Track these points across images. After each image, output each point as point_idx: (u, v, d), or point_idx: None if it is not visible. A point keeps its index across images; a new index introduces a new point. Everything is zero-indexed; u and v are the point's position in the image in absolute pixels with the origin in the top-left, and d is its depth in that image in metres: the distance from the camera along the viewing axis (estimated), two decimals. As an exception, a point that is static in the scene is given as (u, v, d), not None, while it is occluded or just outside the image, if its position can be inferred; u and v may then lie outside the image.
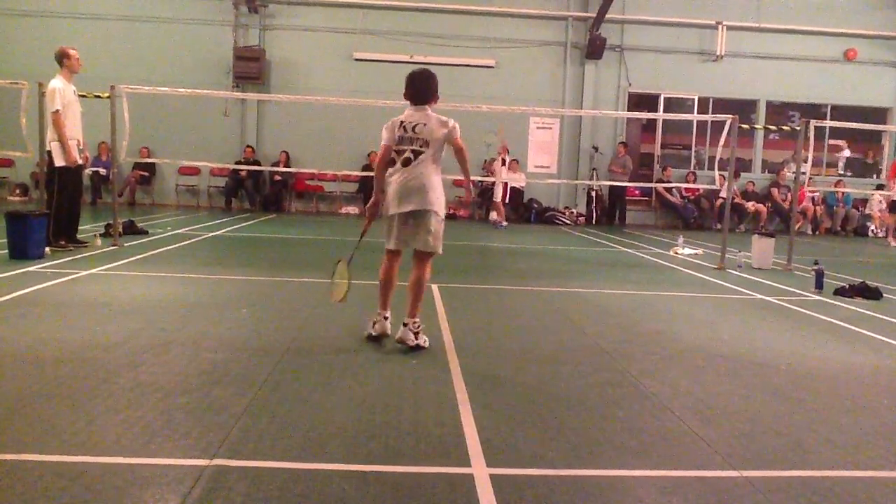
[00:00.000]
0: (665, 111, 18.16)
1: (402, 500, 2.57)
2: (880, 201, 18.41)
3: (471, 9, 17.78)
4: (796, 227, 11.46)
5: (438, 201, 4.85)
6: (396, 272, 5.02)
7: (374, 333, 4.87)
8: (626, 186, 17.05)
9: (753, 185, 18.22)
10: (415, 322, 4.73)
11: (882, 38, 18.45)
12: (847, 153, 19.62)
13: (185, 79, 15.83)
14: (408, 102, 4.98)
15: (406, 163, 4.77)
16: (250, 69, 17.21)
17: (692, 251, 11.25)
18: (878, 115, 18.96)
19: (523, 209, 17.72)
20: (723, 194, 14.24)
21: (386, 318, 4.89)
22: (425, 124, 4.82)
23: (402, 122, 4.85)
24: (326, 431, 3.18)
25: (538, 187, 17.86)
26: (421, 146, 4.80)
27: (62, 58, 8.62)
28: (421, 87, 4.96)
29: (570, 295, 7.26)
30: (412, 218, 4.78)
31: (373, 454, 2.95)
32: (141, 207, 16.50)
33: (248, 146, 17.44)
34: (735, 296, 7.51)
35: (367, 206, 5.17)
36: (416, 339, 4.69)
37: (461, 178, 5.28)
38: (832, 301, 7.30)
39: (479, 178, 17.20)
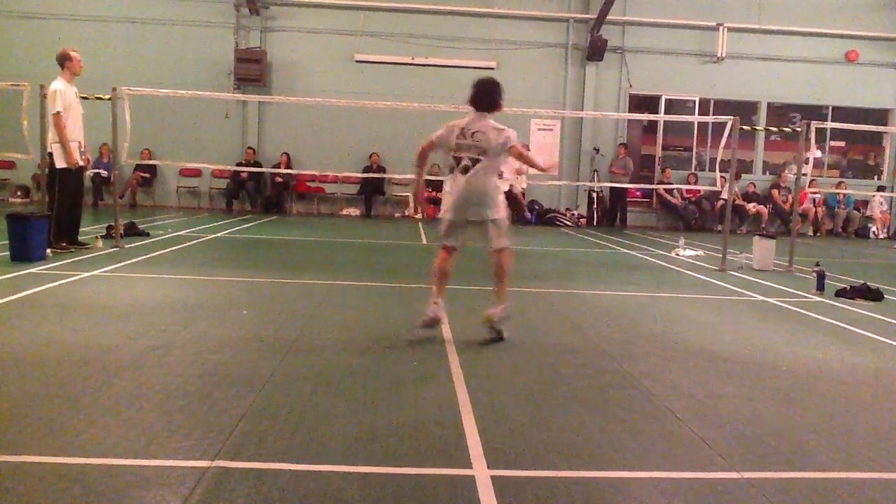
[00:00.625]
0: (666, 113, 18.16)
1: (404, 501, 2.58)
2: (881, 203, 18.41)
3: (472, 10, 17.78)
4: (797, 228, 11.44)
5: (497, 208, 5.07)
6: (452, 265, 5.30)
7: (429, 315, 5.05)
8: (626, 188, 17.04)
9: (755, 186, 18.21)
10: (503, 307, 5.09)
11: (883, 40, 18.43)
12: (818, 154, 19.46)
13: (187, 81, 15.83)
14: (471, 108, 5.14)
15: (465, 171, 4.98)
16: (251, 71, 17.21)
17: (693, 253, 11.24)
18: (880, 116, 18.95)
19: (524, 210, 17.71)
20: (724, 196, 14.24)
21: (437, 304, 5.10)
22: (484, 132, 4.98)
23: (462, 128, 5.02)
24: (327, 433, 3.18)
25: (539, 189, 17.86)
26: (479, 154, 4.96)
27: (64, 59, 8.62)
28: (484, 95, 5.11)
29: (571, 296, 7.26)
30: (474, 226, 5.12)
31: (374, 455, 2.95)
32: (142, 209, 16.50)
33: (249, 148, 17.44)
34: (736, 297, 7.51)
35: (414, 193, 5.56)
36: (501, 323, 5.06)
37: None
38: (833, 302, 7.30)
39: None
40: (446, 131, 5.06)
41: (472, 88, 5.13)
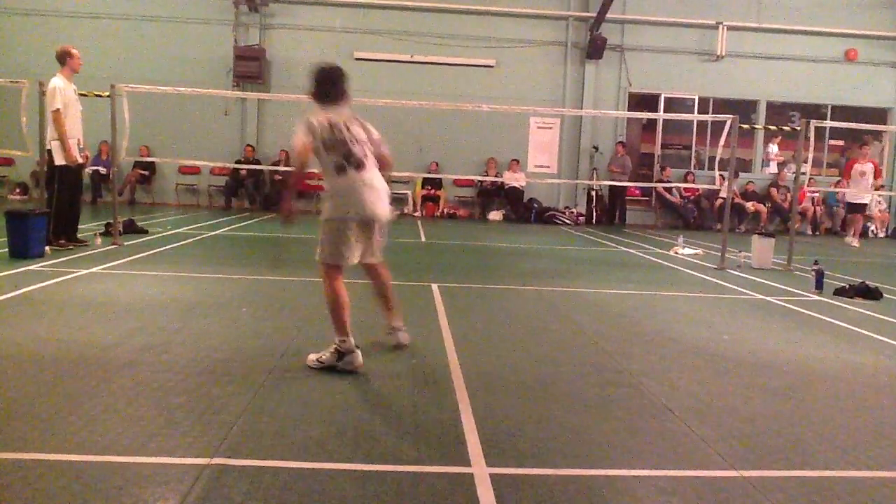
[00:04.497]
0: (665, 111, 18.16)
1: (403, 499, 2.58)
2: (880, 202, 18.41)
3: (471, 8, 17.76)
4: (796, 227, 11.45)
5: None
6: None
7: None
8: (625, 186, 17.04)
9: (754, 185, 18.22)
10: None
11: (882, 39, 18.44)
12: (774, 149, 19.47)
13: (186, 78, 15.82)
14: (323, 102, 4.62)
15: (358, 168, 4.41)
16: (250, 68, 17.19)
17: (692, 251, 11.25)
18: (879, 115, 18.96)
19: (523, 209, 17.72)
20: (723, 194, 14.24)
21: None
22: (360, 125, 4.59)
23: (330, 124, 4.45)
24: (326, 431, 3.18)
25: (538, 187, 17.86)
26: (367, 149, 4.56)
27: (64, 57, 8.61)
28: (341, 84, 4.69)
29: (570, 295, 7.26)
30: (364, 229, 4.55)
31: (373, 453, 2.95)
32: (141, 206, 16.49)
33: (248, 145, 17.43)
34: (735, 296, 7.51)
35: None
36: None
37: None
38: (832, 301, 7.30)
39: (478, 178, 17.26)
40: (311, 130, 4.37)
41: (318, 78, 4.61)
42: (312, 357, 4.22)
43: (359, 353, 4.17)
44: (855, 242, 14.52)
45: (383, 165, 4.55)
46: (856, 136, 19.27)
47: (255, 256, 9.44)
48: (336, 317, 4.24)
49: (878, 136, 18.95)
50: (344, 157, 4.31)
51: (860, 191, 14.32)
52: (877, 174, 14.76)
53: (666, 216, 18.51)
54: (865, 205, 14.83)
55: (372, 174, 4.40)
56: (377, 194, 4.39)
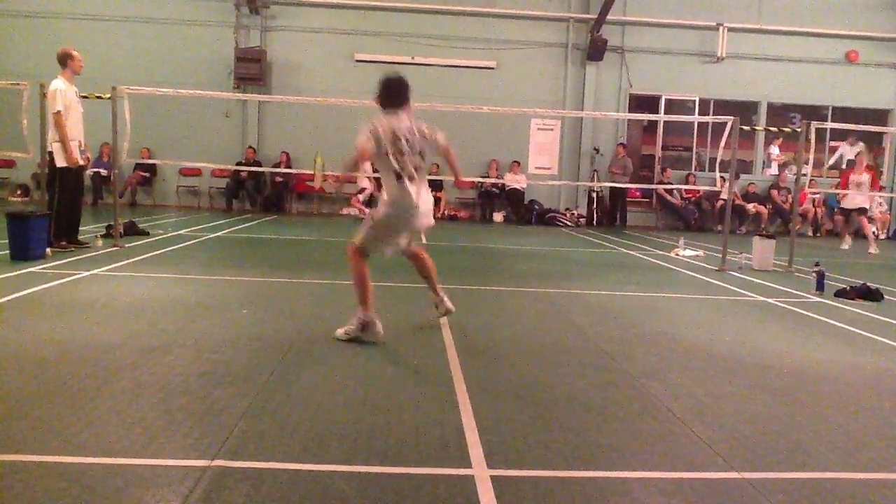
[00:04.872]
0: (666, 113, 18.16)
1: (403, 501, 2.58)
2: (881, 203, 18.40)
3: (472, 10, 17.78)
4: (797, 228, 11.45)
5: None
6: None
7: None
8: (626, 188, 17.05)
9: (755, 186, 18.22)
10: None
11: (883, 40, 18.44)
12: (776, 151, 19.50)
13: (187, 80, 15.85)
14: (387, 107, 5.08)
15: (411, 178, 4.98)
16: (251, 70, 17.21)
17: (693, 253, 11.24)
18: (880, 116, 18.96)
19: (524, 210, 17.72)
20: (723, 196, 14.23)
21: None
22: (419, 131, 5.06)
23: (393, 130, 4.93)
24: (327, 432, 3.18)
25: (539, 189, 17.86)
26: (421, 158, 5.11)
27: (65, 59, 8.62)
28: (404, 89, 5.15)
29: (570, 296, 7.26)
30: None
31: (374, 455, 2.95)
32: (142, 208, 16.51)
33: (249, 147, 17.45)
34: (736, 297, 7.51)
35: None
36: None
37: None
38: (833, 303, 7.30)
39: (479, 179, 17.25)
40: (374, 136, 4.79)
41: (384, 86, 5.06)
42: (340, 331, 4.83)
43: (379, 324, 4.81)
44: (873, 248, 13.83)
45: (448, 159, 5.28)
46: (856, 138, 19.30)
47: (256, 258, 9.43)
48: (361, 292, 4.83)
49: (872, 138, 18.95)
50: (400, 167, 4.79)
51: (859, 200, 14.12)
52: (874, 184, 14.54)
53: (667, 218, 18.51)
54: (865, 208, 14.68)
55: (421, 188, 4.90)
56: (424, 208, 4.97)
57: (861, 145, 18.25)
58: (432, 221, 5.16)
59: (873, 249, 13.77)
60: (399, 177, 4.78)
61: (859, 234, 18.08)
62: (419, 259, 5.34)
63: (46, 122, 8.57)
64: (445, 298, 5.42)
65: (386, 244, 5.01)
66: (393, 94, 4.98)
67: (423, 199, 4.94)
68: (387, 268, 8.69)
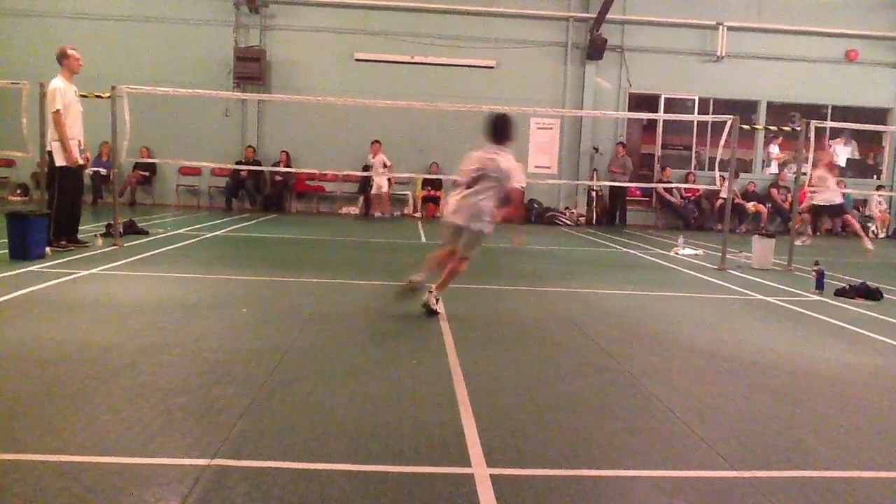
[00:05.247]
0: (665, 112, 18.14)
1: (403, 500, 2.57)
2: (880, 202, 18.41)
3: (472, 9, 17.77)
4: (796, 227, 11.44)
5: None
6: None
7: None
8: (626, 187, 17.04)
9: (754, 185, 18.22)
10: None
11: (883, 39, 18.44)
12: (776, 150, 19.51)
13: (186, 79, 15.83)
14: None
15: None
16: (251, 69, 17.20)
17: (693, 252, 11.25)
18: (879, 115, 18.96)
19: (523, 210, 17.71)
20: (723, 195, 14.22)
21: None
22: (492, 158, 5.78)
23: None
24: (327, 431, 3.18)
25: (539, 188, 17.86)
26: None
27: (62, 57, 8.61)
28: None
29: (570, 295, 7.26)
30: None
31: (374, 454, 2.95)
32: (141, 207, 16.50)
33: (248, 146, 17.44)
34: (735, 296, 7.51)
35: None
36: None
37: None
38: (833, 302, 7.30)
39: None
40: (470, 160, 5.85)
41: (490, 123, 5.92)
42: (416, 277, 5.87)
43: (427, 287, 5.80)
44: (869, 244, 13.96)
45: (507, 197, 5.87)
46: (856, 137, 19.32)
47: (256, 257, 9.43)
48: (427, 263, 6.01)
49: (872, 137, 18.95)
50: (473, 181, 5.74)
51: (830, 195, 13.82)
52: (832, 173, 14.39)
53: (666, 217, 18.51)
54: (841, 204, 14.54)
55: (476, 194, 5.72)
56: (470, 211, 5.71)
57: (854, 144, 18.31)
58: (474, 225, 5.75)
59: (870, 245, 13.77)
60: (469, 186, 5.78)
61: (841, 232, 18.01)
62: (453, 258, 5.92)
63: (46, 121, 8.56)
64: (434, 295, 5.81)
65: (446, 236, 5.95)
66: (493, 131, 5.90)
67: (468, 202, 5.73)
68: (383, 268, 8.70)
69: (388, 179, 16.92)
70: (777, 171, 18.93)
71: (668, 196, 18.07)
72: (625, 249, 12.00)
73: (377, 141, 16.84)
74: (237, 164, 16.63)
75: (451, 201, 5.93)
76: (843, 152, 19.70)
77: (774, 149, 19.47)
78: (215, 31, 17.52)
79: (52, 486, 2.54)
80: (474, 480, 2.75)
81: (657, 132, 18.87)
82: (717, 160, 10.82)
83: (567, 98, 18.12)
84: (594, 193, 18.08)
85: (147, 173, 17.39)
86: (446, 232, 5.94)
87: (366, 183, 17.35)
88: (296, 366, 4.22)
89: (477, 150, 5.85)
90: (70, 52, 8.65)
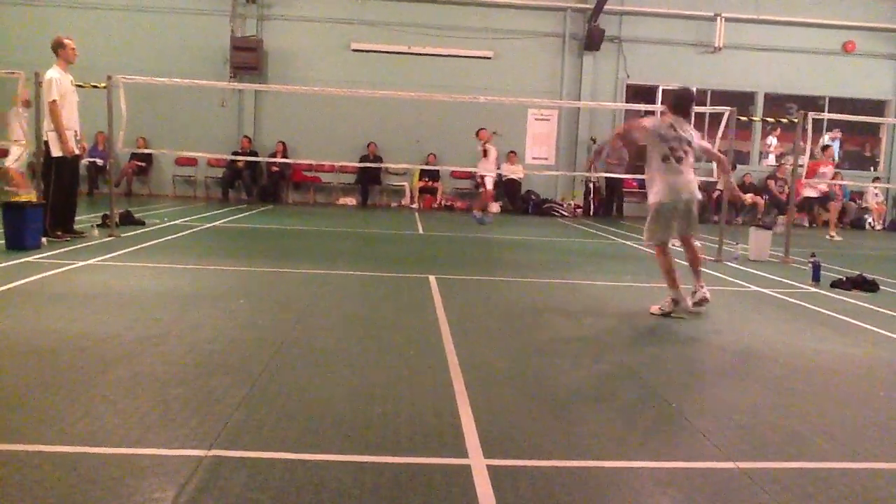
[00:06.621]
0: (663, 103, 18.11)
1: (400, 490, 2.58)
2: (877, 193, 18.43)
3: (469, 0, 17.72)
4: (793, 219, 11.45)
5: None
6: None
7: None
8: (623, 178, 17.03)
9: (751, 177, 18.22)
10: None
11: (880, 31, 18.44)
12: (774, 142, 19.55)
13: (182, 69, 15.75)
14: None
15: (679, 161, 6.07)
16: (247, 59, 17.15)
17: (689, 243, 11.23)
18: (876, 107, 18.96)
19: (521, 201, 17.71)
20: (720, 186, 14.23)
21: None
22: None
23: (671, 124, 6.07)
24: (324, 422, 3.18)
25: (536, 179, 17.85)
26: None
27: (58, 47, 8.57)
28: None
29: (567, 287, 7.27)
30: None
31: (370, 445, 2.96)
32: (138, 198, 16.47)
33: (245, 137, 17.40)
34: (732, 288, 7.52)
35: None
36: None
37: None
38: (829, 293, 7.31)
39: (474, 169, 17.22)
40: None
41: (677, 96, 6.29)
42: (654, 308, 5.79)
43: (688, 299, 5.74)
44: (835, 234, 14.53)
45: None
46: (853, 128, 19.32)
47: (253, 248, 9.42)
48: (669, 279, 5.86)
49: (869, 129, 18.97)
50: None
51: (813, 188, 14.43)
52: (834, 176, 15.31)
53: (663, 208, 18.47)
54: (826, 195, 15.05)
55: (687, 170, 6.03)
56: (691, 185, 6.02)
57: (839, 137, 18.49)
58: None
59: (835, 234, 14.11)
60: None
61: (855, 225, 18.14)
62: (690, 247, 6.11)
63: (42, 111, 8.53)
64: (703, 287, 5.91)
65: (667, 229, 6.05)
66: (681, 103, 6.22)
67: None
68: (381, 259, 8.70)
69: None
70: (776, 164, 18.92)
71: (665, 188, 18.03)
72: (621, 241, 12.00)
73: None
74: (234, 154, 16.60)
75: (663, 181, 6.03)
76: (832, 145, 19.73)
77: (773, 140, 19.46)
78: (212, 20, 17.45)
79: (48, 477, 2.54)
80: (471, 471, 2.75)
81: (654, 124, 18.82)
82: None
83: (564, 89, 18.10)
84: (591, 185, 18.07)
85: (143, 164, 17.36)
86: (662, 224, 6.02)
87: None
88: (292, 356, 4.21)
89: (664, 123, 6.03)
90: (66, 41, 8.60)
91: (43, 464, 2.64)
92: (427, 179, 17.92)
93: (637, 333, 5.25)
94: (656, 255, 6.03)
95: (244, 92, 17.49)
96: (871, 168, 19.57)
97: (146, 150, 16.17)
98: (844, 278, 7.72)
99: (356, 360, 4.20)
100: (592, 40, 17.64)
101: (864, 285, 7.51)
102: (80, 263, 7.01)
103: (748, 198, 17.68)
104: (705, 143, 6.37)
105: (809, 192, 14.63)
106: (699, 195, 6.14)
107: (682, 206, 5.98)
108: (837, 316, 6.17)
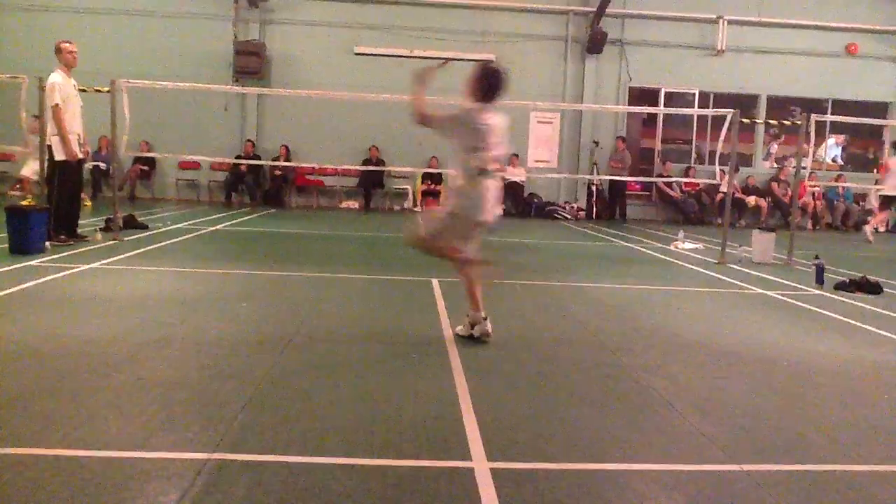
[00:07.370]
0: (666, 106, 18.12)
1: (403, 494, 2.58)
2: (879, 197, 18.39)
3: (472, 3, 17.73)
4: (796, 221, 11.44)
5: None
6: None
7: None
8: (626, 181, 17.03)
9: (754, 179, 18.20)
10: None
11: (883, 33, 18.40)
12: (775, 148, 19.58)
13: (186, 73, 15.81)
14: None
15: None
16: (250, 63, 17.18)
17: (693, 246, 11.24)
18: (879, 109, 18.93)
19: (523, 204, 17.70)
20: (723, 189, 14.22)
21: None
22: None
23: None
24: (327, 426, 3.18)
25: (538, 182, 17.84)
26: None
27: (57, 52, 8.62)
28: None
29: (570, 289, 7.26)
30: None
31: (374, 448, 2.95)
32: (141, 202, 16.49)
33: (248, 140, 17.42)
34: (735, 290, 7.51)
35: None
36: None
37: None
38: (833, 296, 7.30)
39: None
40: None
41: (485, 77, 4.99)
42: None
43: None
44: (870, 236, 14.33)
45: None
46: (856, 131, 19.29)
47: (256, 252, 9.43)
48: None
49: (871, 131, 18.92)
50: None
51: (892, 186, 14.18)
52: None
53: (666, 211, 18.50)
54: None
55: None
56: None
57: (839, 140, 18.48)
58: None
59: (871, 237, 14.03)
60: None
61: (859, 227, 18.06)
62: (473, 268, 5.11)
63: (45, 115, 8.55)
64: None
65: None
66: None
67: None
68: (384, 263, 8.71)
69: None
70: (778, 166, 18.90)
71: (668, 190, 18.05)
72: (624, 244, 11.99)
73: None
74: (237, 158, 16.61)
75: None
76: (832, 149, 19.73)
77: (774, 147, 19.49)
78: (215, 25, 17.49)
79: (52, 481, 2.54)
80: (474, 474, 2.75)
81: (657, 126, 18.85)
82: (718, 154, 10.81)
83: (567, 92, 18.10)
84: (594, 187, 18.06)
85: (146, 167, 17.38)
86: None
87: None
88: (296, 360, 4.22)
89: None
90: (64, 45, 8.63)
91: (47, 468, 2.65)
92: (430, 183, 17.91)
93: (640, 336, 5.24)
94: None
95: (247, 96, 17.50)
96: (874, 170, 19.53)
97: (149, 154, 16.19)
98: (848, 280, 7.70)
99: (359, 364, 4.20)
100: (595, 43, 17.65)
101: (867, 287, 7.50)
102: (84, 267, 7.02)
103: (751, 200, 17.69)
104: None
105: (890, 192, 14.35)
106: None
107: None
108: (841, 318, 6.15)
